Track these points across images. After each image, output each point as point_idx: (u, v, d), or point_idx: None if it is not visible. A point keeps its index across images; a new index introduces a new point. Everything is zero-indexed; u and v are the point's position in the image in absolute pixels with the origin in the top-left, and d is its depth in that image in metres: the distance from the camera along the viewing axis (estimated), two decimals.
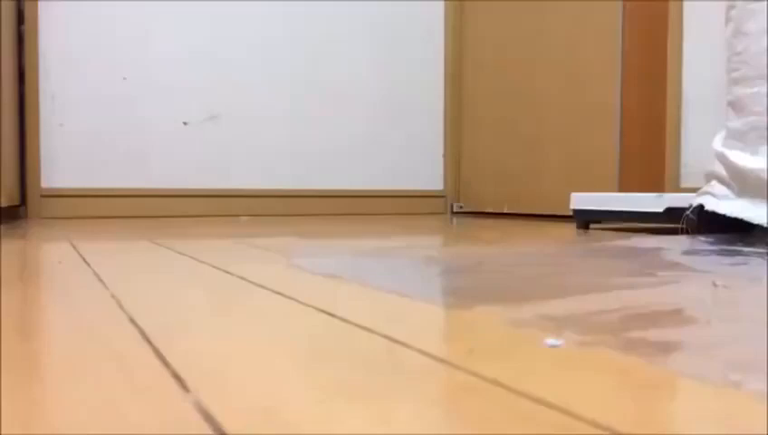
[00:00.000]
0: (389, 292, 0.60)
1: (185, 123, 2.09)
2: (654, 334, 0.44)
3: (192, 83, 2.08)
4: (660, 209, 1.34)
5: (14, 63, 1.84)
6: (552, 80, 2.01)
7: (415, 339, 0.42)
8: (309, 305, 0.54)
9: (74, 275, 0.74)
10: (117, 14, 2.00)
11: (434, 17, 2.40)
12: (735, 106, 1.24)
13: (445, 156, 2.43)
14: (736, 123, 1.23)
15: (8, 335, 0.44)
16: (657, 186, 1.65)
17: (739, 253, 0.93)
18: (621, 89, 1.80)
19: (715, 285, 0.62)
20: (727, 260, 0.87)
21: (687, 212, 1.27)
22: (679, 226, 1.27)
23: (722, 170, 1.25)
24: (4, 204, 1.62)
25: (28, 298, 0.64)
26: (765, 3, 1.18)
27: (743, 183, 1.21)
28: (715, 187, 1.26)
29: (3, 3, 1.69)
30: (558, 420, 0.28)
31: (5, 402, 0.30)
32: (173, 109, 2.07)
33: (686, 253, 0.96)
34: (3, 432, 0.26)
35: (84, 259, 0.87)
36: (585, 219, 1.54)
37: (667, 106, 1.67)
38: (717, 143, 1.27)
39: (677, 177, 1.66)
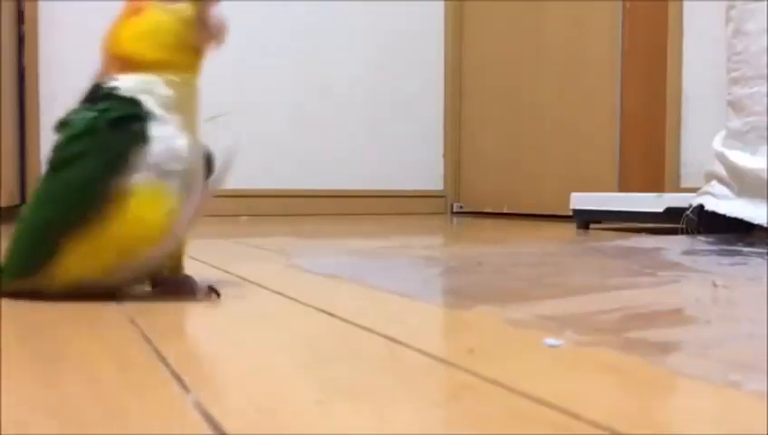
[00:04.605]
0: (389, 292, 0.60)
1: None
2: (654, 334, 0.44)
3: None
4: (660, 209, 1.34)
5: (14, 63, 1.84)
6: (552, 80, 2.01)
7: (415, 339, 0.42)
8: (309, 305, 0.54)
9: None
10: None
11: (434, 17, 2.40)
12: (735, 106, 1.24)
13: (445, 156, 2.43)
14: (736, 123, 1.23)
15: (8, 335, 0.44)
16: (657, 186, 1.65)
17: (739, 253, 0.93)
18: (621, 89, 1.80)
19: (715, 284, 0.62)
20: (727, 260, 0.87)
21: (687, 212, 1.27)
22: (679, 226, 1.27)
23: (722, 170, 1.25)
24: (5, 204, 1.62)
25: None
26: (765, 3, 1.18)
27: (742, 183, 1.21)
28: (715, 187, 1.26)
29: (3, 3, 1.69)
30: (558, 420, 0.28)
31: (5, 402, 0.30)
32: None
33: (686, 253, 0.96)
34: (2, 432, 0.26)
35: None
36: (585, 219, 1.54)
37: (667, 106, 1.67)
38: (717, 143, 1.27)
39: (677, 177, 1.65)
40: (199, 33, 0.54)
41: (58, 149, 0.53)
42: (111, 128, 0.51)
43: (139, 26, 0.54)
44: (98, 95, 0.54)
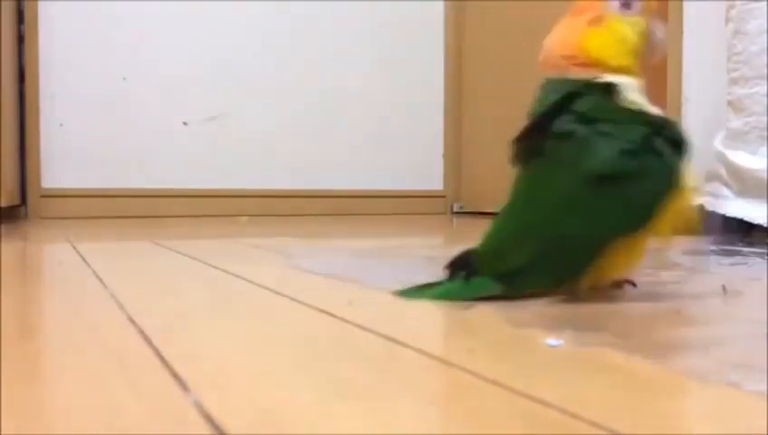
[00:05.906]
0: (389, 292, 0.60)
1: (185, 123, 2.08)
2: (654, 334, 0.44)
3: (192, 84, 2.07)
4: None
5: (14, 63, 1.84)
6: None
7: (415, 339, 0.42)
8: (309, 305, 0.54)
9: (74, 276, 0.74)
10: (117, 13, 2.00)
11: (434, 17, 2.40)
12: (735, 106, 1.24)
13: (445, 156, 2.43)
14: (736, 123, 1.23)
15: (8, 335, 0.44)
16: None
17: (739, 253, 0.93)
18: None
19: (724, 289, 0.62)
20: (727, 260, 0.87)
21: None
22: None
23: (722, 170, 1.25)
24: (4, 204, 1.62)
25: (28, 298, 0.64)
26: (765, 3, 1.18)
27: (742, 183, 1.21)
28: (715, 187, 1.26)
29: (3, 3, 1.69)
30: (558, 420, 0.28)
31: (5, 402, 0.30)
32: (173, 109, 2.07)
33: (686, 253, 0.96)
34: (2, 432, 0.26)
35: (84, 259, 0.87)
36: None
37: (667, 106, 1.67)
38: (717, 143, 1.27)
39: None
40: (646, 46, 0.60)
41: (608, 162, 0.54)
42: (671, 147, 0.55)
43: (606, 36, 0.60)
44: (595, 91, 0.57)
